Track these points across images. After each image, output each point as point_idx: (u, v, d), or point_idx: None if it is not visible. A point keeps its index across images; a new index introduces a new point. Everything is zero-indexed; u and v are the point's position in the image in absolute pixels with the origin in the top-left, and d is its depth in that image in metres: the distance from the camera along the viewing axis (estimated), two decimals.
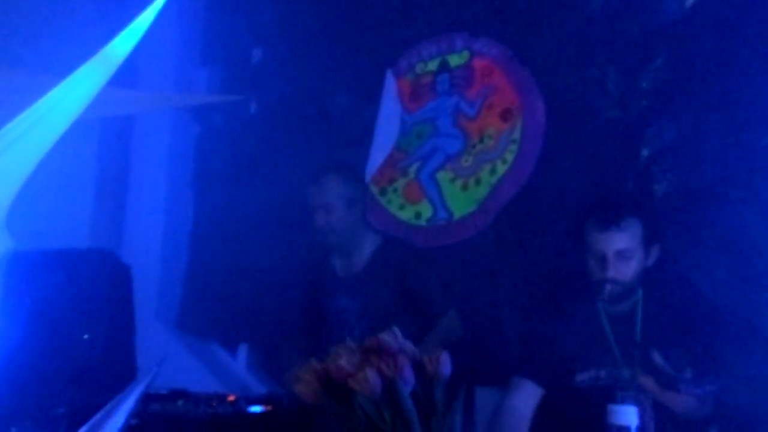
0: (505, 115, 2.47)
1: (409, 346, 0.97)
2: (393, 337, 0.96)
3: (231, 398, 1.68)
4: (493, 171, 2.46)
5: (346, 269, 2.16)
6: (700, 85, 2.10)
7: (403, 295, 2.07)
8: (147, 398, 1.63)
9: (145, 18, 2.43)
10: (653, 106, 2.18)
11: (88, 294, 2.09)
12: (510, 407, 1.65)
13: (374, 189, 2.65)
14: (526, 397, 1.66)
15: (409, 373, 0.93)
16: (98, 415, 1.15)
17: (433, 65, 2.61)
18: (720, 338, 1.66)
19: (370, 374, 0.91)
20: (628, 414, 0.90)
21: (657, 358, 1.54)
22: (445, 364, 0.95)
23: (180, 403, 1.65)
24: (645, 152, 2.18)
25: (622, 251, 1.63)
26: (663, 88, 2.16)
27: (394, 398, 0.94)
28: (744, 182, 2.00)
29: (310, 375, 0.95)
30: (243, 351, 2.83)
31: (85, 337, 2.03)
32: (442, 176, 2.57)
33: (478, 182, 2.50)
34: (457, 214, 2.53)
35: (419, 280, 2.10)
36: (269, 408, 1.62)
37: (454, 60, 2.58)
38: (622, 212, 1.65)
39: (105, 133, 3.08)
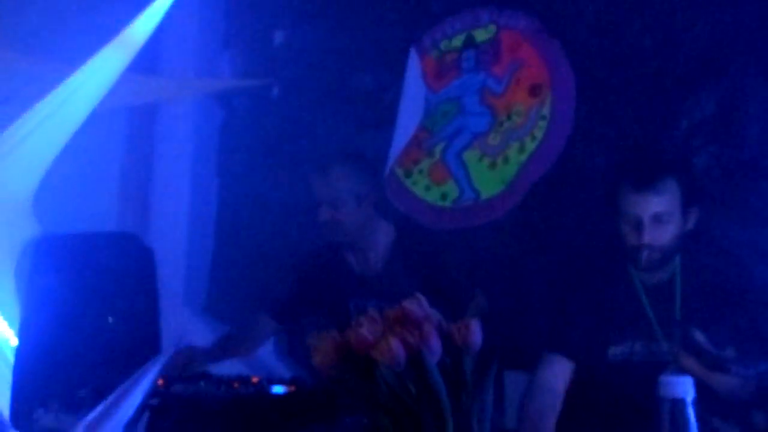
0: (534, 90, 2.38)
1: (435, 314, 0.90)
2: (417, 305, 0.90)
3: (255, 380, 1.65)
4: (521, 149, 2.38)
5: (363, 266, 2.05)
6: (743, 51, 1.99)
7: (429, 287, 1.98)
8: (169, 380, 1.61)
9: (164, 1, 2.41)
10: (693, 76, 2.07)
11: (112, 277, 2.09)
12: (542, 382, 1.58)
13: (399, 171, 2.59)
14: (558, 372, 1.58)
15: (435, 343, 0.87)
16: (115, 394, 1.12)
17: (458, 41, 2.54)
18: (765, 314, 1.55)
19: (394, 343, 0.85)
20: (685, 385, 0.79)
21: (699, 336, 1.45)
22: (475, 332, 0.88)
23: (202, 384, 1.62)
24: (684, 124, 2.07)
25: (658, 215, 1.51)
26: (703, 55, 2.05)
27: (419, 370, 0.88)
28: None
29: (328, 345, 0.90)
30: None
31: (110, 320, 2.03)
32: (469, 155, 2.50)
33: (506, 161, 2.42)
34: (485, 194, 2.46)
35: (441, 265, 2.01)
36: (292, 389, 1.58)
37: (480, 35, 2.50)
38: (659, 173, 1.53)
39: (130, 119, 3.09)
